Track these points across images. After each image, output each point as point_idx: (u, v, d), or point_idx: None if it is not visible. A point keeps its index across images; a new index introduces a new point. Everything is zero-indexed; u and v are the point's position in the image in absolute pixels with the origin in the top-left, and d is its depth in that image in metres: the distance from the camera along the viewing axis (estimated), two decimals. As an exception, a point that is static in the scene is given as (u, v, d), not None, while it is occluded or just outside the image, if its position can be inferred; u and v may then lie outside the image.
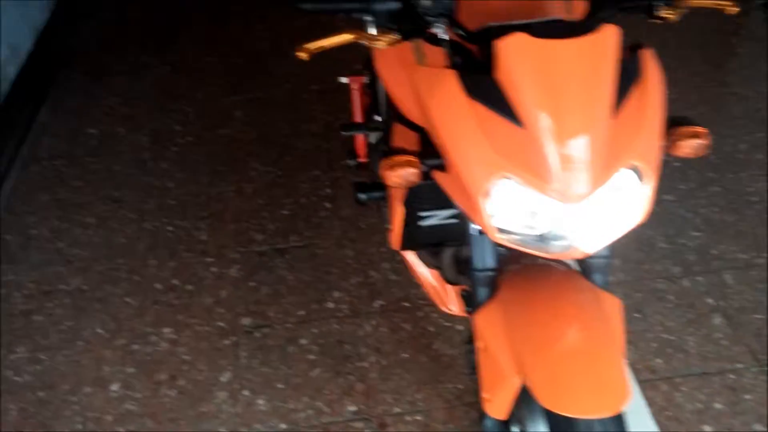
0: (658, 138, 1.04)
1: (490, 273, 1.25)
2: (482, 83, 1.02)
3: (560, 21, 1.10)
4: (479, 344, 1.26)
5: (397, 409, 1.78)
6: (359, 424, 1.76)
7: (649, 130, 1.02)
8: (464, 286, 1.71)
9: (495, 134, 1.01)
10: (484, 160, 1.01)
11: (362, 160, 2.50)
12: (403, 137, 1.41)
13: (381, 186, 1.59)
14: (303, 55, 1.19)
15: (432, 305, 1.98)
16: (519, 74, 0.98)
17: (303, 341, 1.97)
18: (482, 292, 1.26)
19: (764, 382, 1.83)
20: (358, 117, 2.43)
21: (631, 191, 1.02)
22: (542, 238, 1.05)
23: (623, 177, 1.01)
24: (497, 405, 1.25)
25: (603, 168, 0.99)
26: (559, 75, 0.98)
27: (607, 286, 1.26)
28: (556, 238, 1.04)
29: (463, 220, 1.44)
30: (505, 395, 1.22)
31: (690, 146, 1.08)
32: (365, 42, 1.15)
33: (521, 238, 1.06)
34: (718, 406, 1.80)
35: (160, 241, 2.34)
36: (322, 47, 1.17)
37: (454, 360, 1.90)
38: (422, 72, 1.13)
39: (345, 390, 1.85)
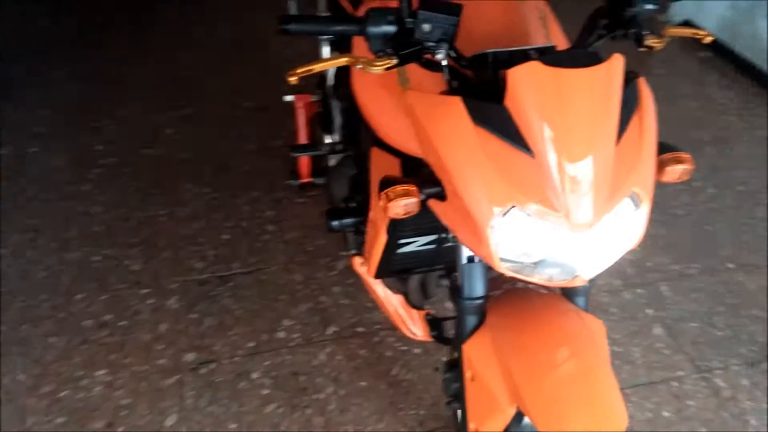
0: (654, 165, 1.05)
1: (479, 301, 1.22)
2: (490, 110, 0.99)
3: (570, 50, 1.09)
4: (467, 374, 1.23)
5: (359, 440, 1.72)
6: (321, 461, 1.68)
7: (647, 158, 1.03)
8: (428, 311, 1.68)
9: (503, 163, 0.98)
10: (492, 190, 0.98)
11: (305, 180, 2.44)
12: (382, 163, 1.36)
13: (355, 212, 1.53)
14: (293, 80, 1.12)
15: (388, 329, 1.95)
16: (531, 103, 0.95)
17: (254, 375, 1.87)
18: (471, 320, 1.23)
19: (704, 388, 1.90)
20: (303, 137, 2.38)
21: (629, 217, 1.03)
22: (545, 266, 1.03)
23: (624, 204, 1.01)
24: (485, 436, 1.22)
25: (609, 196, 0.98)
26: (570, 105, 0.96)
27: (587, 309, 1.27)
28: (558, 265, 1.03)
29: (450, 248, 1.42)
30: (497, 424, 1.19)
31: (676, 172, 1.10)
32: (360, 66, 1.09)
33: (525, 268, 1.03)
34: (666, 414, 1.85)
35: (87, 273, 2.17)
36: (311, 70, 1.11)
37: (414, 385, 1.86)
38: (422, 97, 1.09)
39: (302, 425, 1.76)
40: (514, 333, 1.18)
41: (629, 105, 1.01)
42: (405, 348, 1.96)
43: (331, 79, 2.06)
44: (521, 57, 1.11)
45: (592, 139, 0.97)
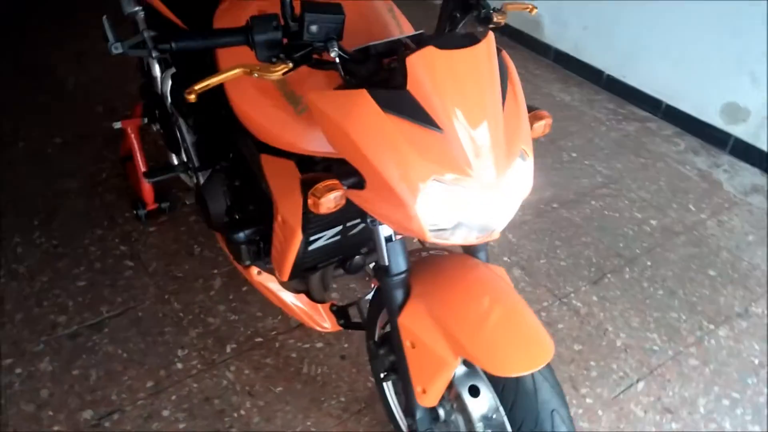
0: (528, 123, 1.22)
1: (403, 275, 1.32)
2: (395, 97, 1.08)
3: (451, 33, 1.20)
4: (406, 343, 1.32)
5: (294, 444, 1.74)
6: (263, 473, 1.68)
7: (524, 119, 1.20)
8: (332, 302, 1.75)
9: (417, 142, 1.08)
10: (413, 168, 1.07)
11: (151, 207, 2.35)
12: (276, 167, 1.39)
13: (252, 221, 1.54)
14: (192, 98, 1.12)
15: (284, 332, 1.98)
16: (432, 84, 1.06)
17: (165, 413, 1.79)
18: (398, 294, 1.32)
19: (566, 311, 2.20)
20: (141, 162, 2.29)
21: (522, 170, 1.19)
22: (464, 228, 1.15)
23: (518, 160, 1.17)
24: (432, 394, 1.34)
25: (506, 155, 1.13)
26: (464, 81, 1.09)
27: (488, 260, 1.43)
28: (475, 225, 1.16)
29: (353, 236, 1.49)
30: (443, 380, 1.31)
31: (540, 127, 1.29)
32: (257, 74, 1.12)
33: (447, 233, 1.15)
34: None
35: (-74, 359, 1.90)
36: (209, 85, 1.12)
37: (327, 377, 1.91)
38: (326, 96, 1.14)
39: (231, 445, 1.74)
40: (441, 294, 1.30)
41: (502, 75, 1.17)
42: (307, 346, 2.00)
43: (168, 98, 2.00)
44: (398, 46, 1.23)
45: (486, 107, 1.11)
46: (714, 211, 2.70)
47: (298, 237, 1.36)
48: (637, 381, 1.96)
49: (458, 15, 1.31)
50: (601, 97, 3.47)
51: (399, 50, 1.24)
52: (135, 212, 2.38)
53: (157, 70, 2.01)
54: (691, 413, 1.89)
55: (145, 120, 2.31)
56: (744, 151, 3.03)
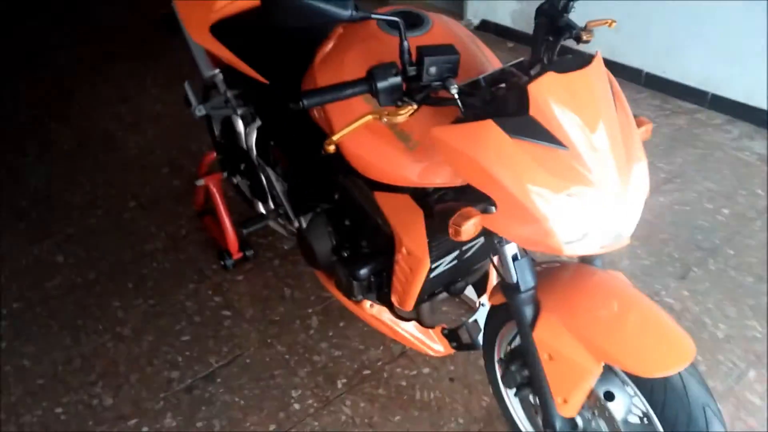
0: (636, 129, 1.27)
1: (532, 291, 1.36)
2: (520, 123, 1.14)
3: (565, 57, 1.25)
4: (543, 356, 1.36)
5: (423, 469, 1.78)
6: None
7: (634, 126, 1.25)
8: (443, 326, 1.80)
9: (545, 161, 1.14)
10: (545, 186, 1.13)
11: (237, 256, 2.43)
12: (393, 202, 1.45)
13: (372, 257, 1.60)
14: (332, 149, 1.19)
15: (390, 362, 2.03)
16: (554, 107, 1.12)
17: (292, 453, 1.84)
18: (529, 310, 1.36)
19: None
20: (225, 214, 2.38)
21: (640, 175, 1.23)
22: (596, 238, 1.20)
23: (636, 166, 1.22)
24: (573, 403, 1.37)
25: (627, 162, 1.18)
26: (582, 100, 1.15)
27: (604, 267, 1.47)
28: (606, 233, 1.21)
29: (468, 259, 1.54)
30: (585, 388, 1.34)
31: (643, 133, 1.33)
32: (385, 119, 1.19)
33: (583, 243, 1.19)
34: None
35: (57, 427, 1.97)
36: (345, 132, 1.19)
37: (441, 401, 1.95)
38: (452, 130, 1.20)
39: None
40: (571, 304, 1.34)
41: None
42: (414, 372, 2.04)
43: (253, 150, 2.09)
44: (506, 76, 1.29)
45: (604, 121, 1.16)
46: (783, 192, 2.71)
47: (426, 265, 1.42)
48: (748, 370, 1.97)
49: (551, 38, 1.37)
50: (644, 95, 3.50)
51: (508, 79, 1.31)
52: (222, 263, 2.46)
53: (240, 125, 2.09)
54: (809, 396, 1.89)
55: (225, 174, 2.39)
56: (800, 130, 3.04)
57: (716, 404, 1.28)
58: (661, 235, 2.51)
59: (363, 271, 1.59)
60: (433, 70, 1.18)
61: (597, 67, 1.18)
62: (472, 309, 2.08)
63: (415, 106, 1.20)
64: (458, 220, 1.18)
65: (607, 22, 1.48)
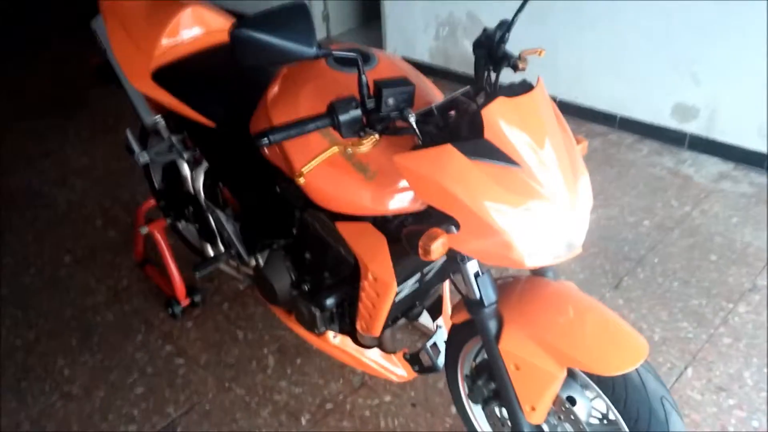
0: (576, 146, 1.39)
1: (494, 306, 1.44)
2: (476, 145, 1.23)
3: (510, 84, 1.34)
4: (510, 367, 1.43)
5: (396, 495, 1.80)
6: None
7: (574, 143, 1.37)
8: (405, 350, 1.85)
9: (501, 180, 1.23)
10: (504, 202, 1.22)
11: (186, 303, 2.41)
12: (355, 230, 1.51)
13: (337, 286, 1.64)
14: (302, 180, 1.24)
15: (351, 394, 2.06)
16: (505, 128, 1.22)
17: (264, 494, 1.83)
18: (492, 324, 1.44)
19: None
20: (171, 260, 2.36)
21: (585, 187, 1.35)
22: (555, 248, 1.30)
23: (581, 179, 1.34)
24: (541, 409, 1.45)
25: (573, 176, 1.30)
26: (530, 122, 1.26)
27: (557, 278, 1.57)
28: (562, 243, 1.30)
29: (428, 282, 1.61)
30: (551, 394, 1.42)
31: (581, 149, 1.46)
32: (350, 149, 1.26)
33: (544, 255, 1.29)
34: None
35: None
36: (314, 165, 1.25)
37: (405, 426, 1.99)
38: (412, 156, 1.27)
39: None
40: (532, 315, 1.43)
41: None
42: (377, 402, 2.07)
43: (201, 194, 2.10)
44: (456, 103, 1.39)
45: (551, 139, 1.27)
46: (695, 202, 2.94)
47: (393, 289, 1.47)
48: (685, 368, 2.12)
49: (491, 68, 1.49)
50: (561, 121, 3.72)
51: (458, 107, 1.40)
52: (170, 310, 2.43)
53: (186, 169, 2.10)
54: (741, 387, 2.05)
55: (169, 220, 2.38)
56: (701, 145, 3.32)
57: (671, 397, 1.38)
58: (592, 249, 2.67)
59: (329, 301, 1.63)
60: (391, 101, 1.26)
61: (540, 91, 1.30)
62: (426, 335, 2.15)
63: (377, 136, 1.27)
64: (426, 240, 1.25)
65: (537, 51, 1.62)
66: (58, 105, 4.24)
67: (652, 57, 3.28)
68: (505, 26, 1.45)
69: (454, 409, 2.00)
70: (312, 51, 1.15)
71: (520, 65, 1.50)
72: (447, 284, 1.98)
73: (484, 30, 1.47)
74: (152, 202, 2.62)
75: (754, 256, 2.58)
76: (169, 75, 1.98)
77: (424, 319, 2.12)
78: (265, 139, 1.24)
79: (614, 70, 3.46)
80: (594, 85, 3.61)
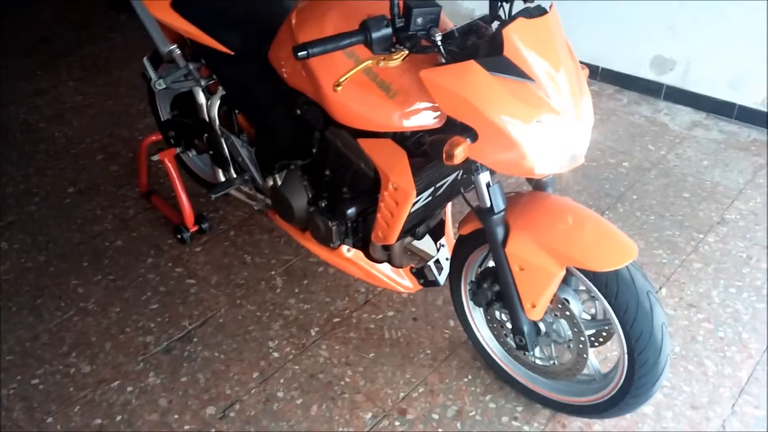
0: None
1: (503, 213, 1.60)
2: (497, 62, 1.37)
3: (527, 7, 1.46)
4: (514, 268, 1.61)
5: (401, 394, 1.98)
6: (385, 423, 1.90)
7: (579, 67, 1.52)
8: (411, 265, 2.01)
9: (518, 93, 1.38)
10: (521, 114, 1.37)
11: (194, 229, 2.52)
12: (378, 146, 1.64)
13: (358, 198, 1.78)
14: (339, 89, 1.37)
15: (356, 309, 2.22)
16: (523, 46, 1.36)
17: (280, 394, 1.98)
18: (500, 230, 1.60)
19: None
20: (181, 188, 2.46)
21: (588, 105, 1.50)
22: (561, 158, 1.45)
23: (585, 97, 1.50)
24: (541, 306, 1.62)
25: (580, 95, 1.45)
26: (545, 41, 1.40)
27: (555, 192, 1.73)
28: (567, 154, 1.46)
29: (440, 196, 1.76)
30: (551, 291, 1.59)
31: (584, 75, 1.61)
32: (382, 63, 1.39)
33: (551, 164, 1.44)
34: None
35: (38, 397, 1.99)
36: (349, 77, 1.37)
37: (408, 337, 2.16)
38: (439, 72, 1.41)
39: (349, 407, 1.94)
40: (535, 221, 1.59)
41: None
42: (380, 316, 2.24)
43: (216, 121, 2.20)
44: (475, 26, 1.52)
45: (561, 59, 1.43)
46: (669, 147, 3.14)
47: (412, 197, 1.62)
48: (660, 288, 2.32)
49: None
50: (544, 72, 3.87)
51: (476, 30, 1.54)
52: (179, 236, 2.54)
53: (202, 97, 2.19)
54: (710, 304, 2.26)
55: (178, 150, 2.47)
56: (676, 95, 3.51)
57: (655, 291, 1.57)
58: (576, 187, 2.86)
59: (350, 211, 1.77)
60: (420, 20, 1.39)
61: (553, 15, 1.44)
62: (424, 259, 2.31)
63: (407, 52, 1.40)
64: (450, 147, 1.39)
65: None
66: (48, 44, 4.23)
67: (633, 11, 3.44)
68: None
69: (452, 323, 2.19)
70: None
71: None
72: (449, 209, 2.13)
73: None
74: (154, 137, 2.71)
75: (723, 194, 2.79)
76: (188, 4, 2.06)
77: (425, 245, 2.29)
78: (305, 51, 1.36)
79: (596, 24, 3.61)
80: (577, 37, 3.72)
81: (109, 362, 2.10)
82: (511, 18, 1.39)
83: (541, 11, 1.42)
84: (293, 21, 1.73)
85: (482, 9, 1.65)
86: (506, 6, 1.61)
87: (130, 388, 2.01)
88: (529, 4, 1.48)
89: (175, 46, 2.16)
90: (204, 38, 2.02)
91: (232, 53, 2.00)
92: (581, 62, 1.58)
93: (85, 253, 2.55)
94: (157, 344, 2.16)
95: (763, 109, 3.22)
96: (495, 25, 1.58)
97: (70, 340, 2.18)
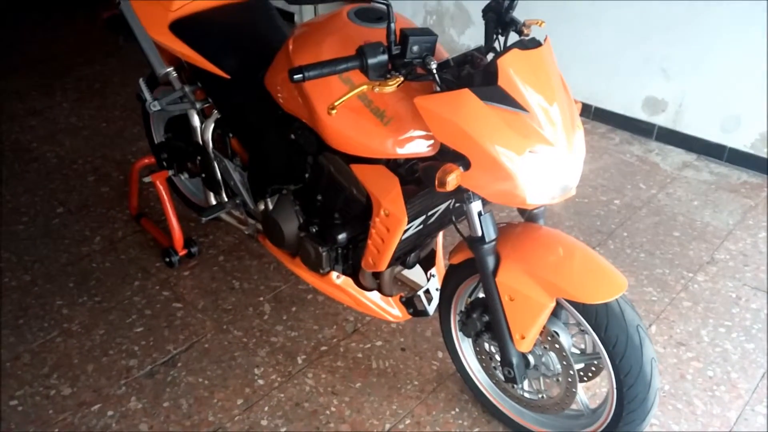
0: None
1: (494, 243, 1.59)
2: (491, 91, 1.39)
3: (522, 39, 1.48)
4: (504, 298, 1.60)
5: (387, 425, 1.94)
6: (369, 455, 1.87)
7: (572, 100, 1.53)
8: (400, 294, 2.00)
9: (511, 123, 1.39)
10: (514, 144, 1.38)
11: (183, 253, 2.50)
12: (370, 172, 1.64)
13: (350, 224, 1.77)
14: (333, 112, 1.37)
15: (344, 338, 2.20)
16: (517, 77, 1.38)
17: (264, 422, 1.94)
18: (491, 259, 1.60)
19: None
20: (172, 211, 2.45)
21: (581, 139, 1.52)
22: (553, 189, 1.46)
23: (578, 131, 1.51)
24: (530, 337, 1.61)
25: (572, 128, 1.46)
26: (539, 73, 1.42)
27: (545, 224, 1.74)
28: (559, 186, 1.47)
29: (432, 224, 1.76)
30: (540, 322, 1.58)
31: (577, 109, 1.63)
32: (377, 89, 1.39)
33: (543, 195, 1.45)
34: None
35: (16, 418, 1.94)
36: (344, 100, 1.38)
37: (395, 367, 2.13)
38: (433, 99, 1.42)
39: (332, 439, 1.91)
40: (526, 252, 1.59)
41: None
42: (368, 345, 2.21)
43: (210, 144, 2.20)
44: (471, 57, 1.54)
45: (555, 91, 1.44)
46: (660, 186, 3.16)
47: (404, 223, 1.61)
48: (650, 326, 2.31)
49: (500, 31, 1.64)
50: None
51: (471, 61, 1.56)
52: (167, 260, 2.51)
53: (196, 120, 2.20)
54: (699, 342, 2.25)
55: (171, 172, 2.47)
56: (668, 136, 3.55)
57: (644, 326, 1.56)
58: (567, 222, 2.87)
59: (341, 236, 1.76)
60: (416, 48, 1.40)
61: (548, 47, 1.46)
62: (415, 289, 2.29)
63: (402, 78, 1.41)
64: (442, 174, 1.40)
65: (538, 22, 1.78)
66: (44, 65, 4.26)
67: (627, 53, 3.50)
68: None
69: (440, 354, 2.16)
70: None
71: (525, 31, 1.66)
72: (440, 239, 2.13)
73: None
74: (146, 160, 2.71)
75: (713, 234, 2.80)
76: (186, 28, 2.08)
77: (415, 275, 2.28)
78: (300, 74, 1.37)
79: (591, 64, 3.67)
80: (572, 77, 3.77)
81: (90, 385, 2.06)
82: (506, 49, 1.41)
83: (535, 43, 1.44)
84: (290, 46, 1.74)
85: (478, 44, 1.68)
86: (501, 38, 1.64)
87: (110, 412, 1.97)
88: (523, 37, 1.50)
89: (171, 68, 2.17)
90: (201, 61, 2.04)
91: (229, 77, 2.01)
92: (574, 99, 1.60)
93: (71, 273, 2.52)
94: (141, 368, 2.12)
95: (753, 152, 3.26)
96: (490, 56, 1.61)
97: (51, 362, 2.14)
